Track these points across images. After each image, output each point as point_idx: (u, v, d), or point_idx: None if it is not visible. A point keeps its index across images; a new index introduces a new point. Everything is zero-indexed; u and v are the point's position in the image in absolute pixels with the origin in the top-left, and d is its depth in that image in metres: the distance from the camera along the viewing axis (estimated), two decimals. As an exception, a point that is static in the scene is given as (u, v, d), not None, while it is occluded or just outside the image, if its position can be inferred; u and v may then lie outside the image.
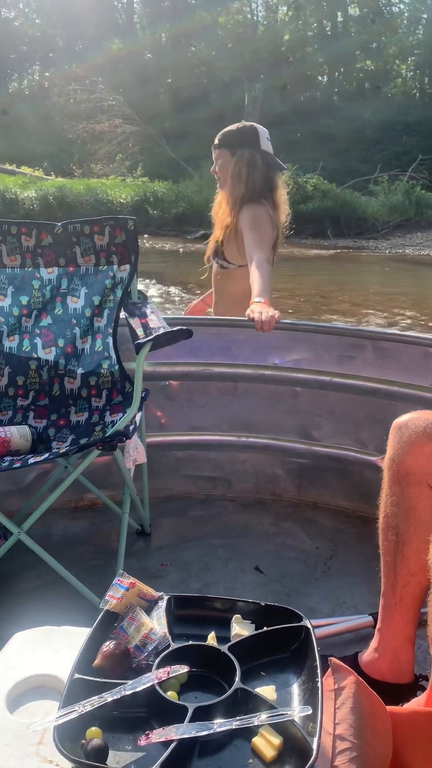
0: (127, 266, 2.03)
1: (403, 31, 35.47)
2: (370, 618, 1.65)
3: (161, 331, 1.75)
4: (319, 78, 35.09)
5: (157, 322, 1.84)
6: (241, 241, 2.42)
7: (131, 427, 1.74)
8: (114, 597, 1.00)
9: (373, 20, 34.20)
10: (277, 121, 25.61)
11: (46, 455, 1.62)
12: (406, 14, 35.59)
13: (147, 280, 10.24)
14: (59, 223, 2.07)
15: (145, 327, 1.80)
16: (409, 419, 1.35)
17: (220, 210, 2.54)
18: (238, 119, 2.87)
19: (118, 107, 23.89)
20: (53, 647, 0.97)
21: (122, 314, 2.02)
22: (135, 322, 1.85)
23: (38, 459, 1.60)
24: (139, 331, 1.78)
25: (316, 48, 34.33)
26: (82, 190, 18.19)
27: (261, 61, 31.18)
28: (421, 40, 34.55)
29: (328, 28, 35.01)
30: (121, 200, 17.69)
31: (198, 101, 28.00)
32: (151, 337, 1.71)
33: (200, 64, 32.13)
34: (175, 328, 1.74)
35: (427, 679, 1.35)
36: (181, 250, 15.07)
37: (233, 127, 2.51)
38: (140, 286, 2.10)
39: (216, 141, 2.52)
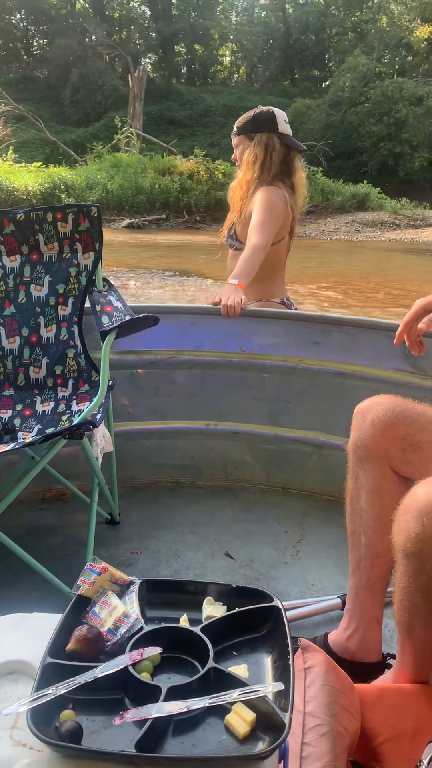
0: (92, 254, 2.01)
1: (222, 16, 36.72)
2: (339, 600, 1.68)
3: (127, 318, 1.75)
4: (147, 59, 35.10)
5: (122, 310, 1.83)
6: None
7: (98, 416, 1.73)
8: (86, 582, 1.00)
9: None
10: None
11: (12, 445, 1.61)
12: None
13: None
14: (21, 211, 2.04)
15: (111, 315, 1.79)
16: (371, 403, 1.37)
17: (235, 194, 2.54)
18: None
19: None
20: (24, 634, 0.96)
21: (87, 303, 2.00)
22: (100, 310, 1.83)
23: (4, 449, 1.59)
24: (104, 319, 1.77)
25: (146, 27, 34.81)
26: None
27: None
28: (239, 23, 36.11)
29: (160, 6, 34.95)
30: (29, 188, 16.95)
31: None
32: (116, 324, 1.70)
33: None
34: (140, 316, 1.73)
35: (393, 657, 1.39)
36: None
37: (250, 112, 2.51)
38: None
39: (234, 128, 2.54)
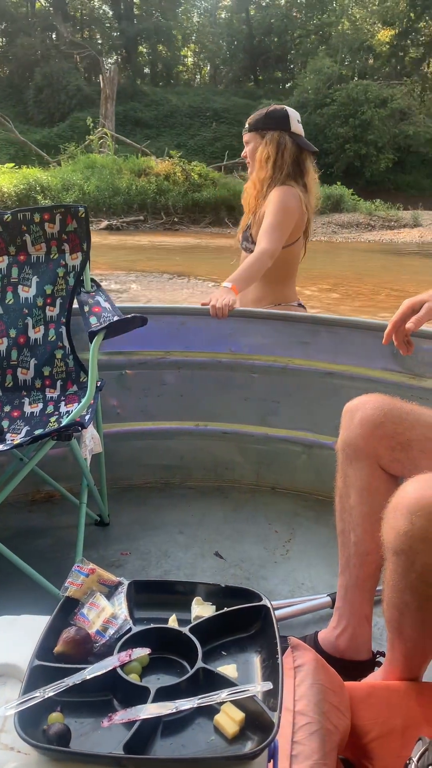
0: (79, 254, 2.01)
1: (185, 16, 37.15)
2: (329, 598, 1.68)
3: (115, 319, 1.74)
4: (110, 61, 34.82)
5: (110, 311, 1.82)
6: None
7: (87, 417, 1.72)
8: (74, 583, 1.00)
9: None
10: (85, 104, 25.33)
11: (0, 447, 1.60)
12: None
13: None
14: (8, 212, 2.03)
15: (99, 315, 1.78)
16: (360, 403, 1.38)
17: (248, 194, 2.50)
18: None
19: None
20: (12, 636, 0.95)
21: (75, 303, 2.00)
22: (88, 311, 1.83)
23: (-8, 451, 1.58)
24: (93, 320, 1.77)
25: (107, 27, 34.95)
26: None
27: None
28: (201, 24, 36.43)
29: (122, 6, 34.95)
30: (3, 190, 16.68)
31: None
32: (104, 325, 1.70)
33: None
34: (128, 316, 1.73)
35: (383, 655, 1.39)
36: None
37: (263, 110, 2.47)
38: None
39: (246, 125, 2.48)
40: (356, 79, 30.35)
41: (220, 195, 18.79)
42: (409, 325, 1.36)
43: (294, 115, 2.42)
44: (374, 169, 26.82)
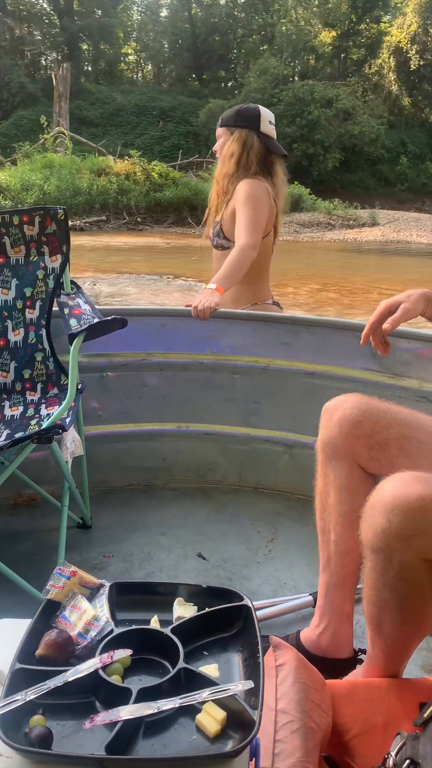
0: (59, 256, 2.00)
1: (125, 14, 36.76)
2: (311, 597, 1.69)
3: (95, 321, 1.74)
4: (50, 59, 34.04)
5: (91, 313, 1.82)
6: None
7: (68, 420, 1.72)
8: (55, 586, 1.00)
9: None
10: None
11: (-19, 450, 1.59)
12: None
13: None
14: (-13, 214, 2.02)
15: (79, 318, 1.78)
16: (338, 402, 1.39)
17: (214, 189, 2.48)
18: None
19: None
20: (-7, 641, 0.95)
21: (55, 306, 1.99)
22: (68, 313, 1.83)
23: (-27, 454, 1.57)
24: (73, 322, 1.77)
25: (47, 23, 34.20)
26: None
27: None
28: (142, 22, 36.37)
29: (62, 3, 34.34)
30: None
31: None
32: (84, 327, 1.69)
33: None
34: (108, 318, 1.73)
35: (365, 652, 1.40)
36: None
37: (236, 107, 2.46)
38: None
39: (220, 120, 2.49)
40: (296, 79, 30.62)
41: (183, 195, 18.68)
42: (385, 325, 1.38)
43: (266, 116, 2.41)
44: (322, 169, 26.99)
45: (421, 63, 31.92)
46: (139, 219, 18.51)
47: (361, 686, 1.22)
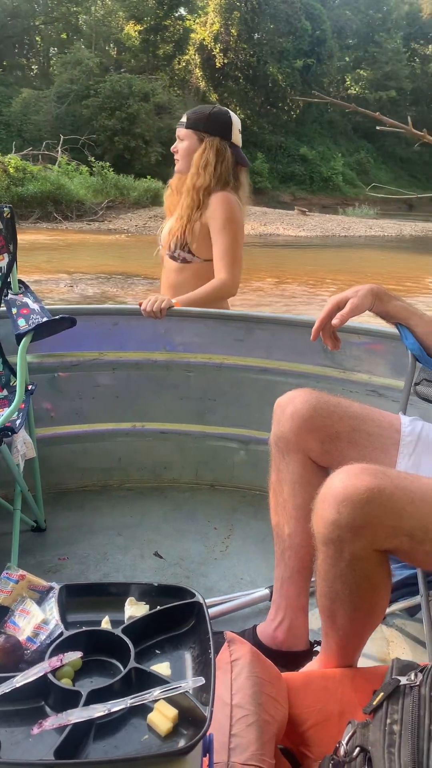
0: (6, 255, 1.97)
1: None
2: (267, 591, 1.70)
3: (44, 320, 1.71)
4: None
5: (39, 312, 1.79)
6: (208, 232, 2.25)
7: (18, 422, 1.69)
8: (2, 591, 0.98)
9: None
10: None
11: None
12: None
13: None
14: None
15: (27, 317, 1.75)
16: (290, 397, 1.40)
17: (179, 198, 2.33)
18: None
19: None
20: None
21: (3, 306, 1.95)
22: (16, 313, 1.79)
23: None
24: (21, 322, 1.74)
25: None
26: None
27: None
28: None
29: None
30: None
31: None
32: (32, 327, 1.67)
33: None
34: (56, 317, 1.70)
35: (320, 644, 1.42)
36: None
37: (206, 108, 2.31)
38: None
39: (184, 119, 2.31)
40: (111, 71, 30.39)
41: (46, 189, 18.23)
42: (334, 321, 1.39)
43: (236, 124, 2.30)
44: (144, 162, 26.85)
45: (225, 61, 32.74)
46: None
47: (316, 677, 1.23)
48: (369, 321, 1.81)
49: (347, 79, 35.88)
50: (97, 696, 0.82)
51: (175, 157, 2.36)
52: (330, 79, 34.87)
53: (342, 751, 0.90)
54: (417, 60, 39.98)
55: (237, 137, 2.30)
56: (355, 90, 36.21)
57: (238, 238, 2.26)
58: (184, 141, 2.31)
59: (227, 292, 2.22)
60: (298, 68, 32.41)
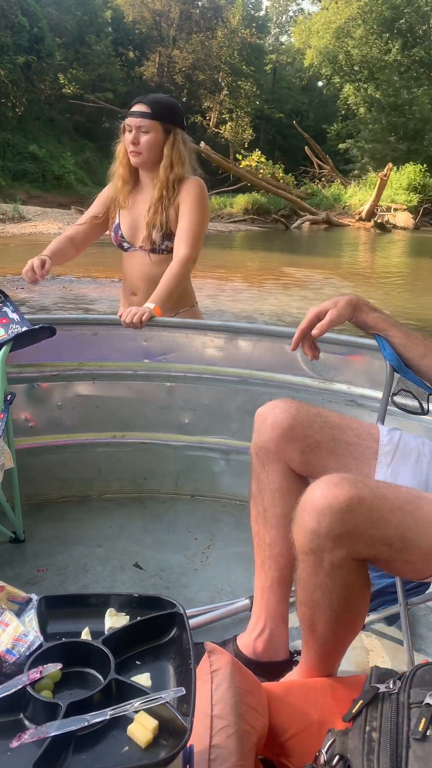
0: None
1: None
2: (248, 601, 1.70)
3: (23, 330, 1.71)
4: None
5: (18, 322, 1.79)
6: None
7: (-3, 432, 1.68)
8: (-19, 603, 0.97)
9: None
10: None
11: None
12: None
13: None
14: None
15: (6, 327, 1.74)
16: (270, 407, 1.41)
17: (134, 189, 2.33)
18: None
19: None
20: None
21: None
22: (-4, 323, 1.79)
23: None
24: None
25: None
26: None
27: None
28: None
29: None
30: None
31: None
32: (11, 336, 1.66)
33: None
34: (35, 327, 1.70)
35: (300, 654, 1.42)
36: None
37: (163, 97, 2.28)
38: None
39: (148, 110, 2.18)
40: None
41: None
42: (314, 332, 1.41)
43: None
44: None
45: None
46: None
47: (296, 687, 1.23)
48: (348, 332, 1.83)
49: (61, 78, 34.40)
50: (77, 708, 0.82)
51: (134, 149, 2.22)
52: (51, 78, 32.39)
53: (321, 760, 0.90)
54: (126, 64, 38.83)
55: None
56: (70, 90, 33.96)
57: (205, 219, 2.28)
58: (149, 133, 2.20)
59: (188, 269, 2.22)
60: (20, 64, 29.35)
